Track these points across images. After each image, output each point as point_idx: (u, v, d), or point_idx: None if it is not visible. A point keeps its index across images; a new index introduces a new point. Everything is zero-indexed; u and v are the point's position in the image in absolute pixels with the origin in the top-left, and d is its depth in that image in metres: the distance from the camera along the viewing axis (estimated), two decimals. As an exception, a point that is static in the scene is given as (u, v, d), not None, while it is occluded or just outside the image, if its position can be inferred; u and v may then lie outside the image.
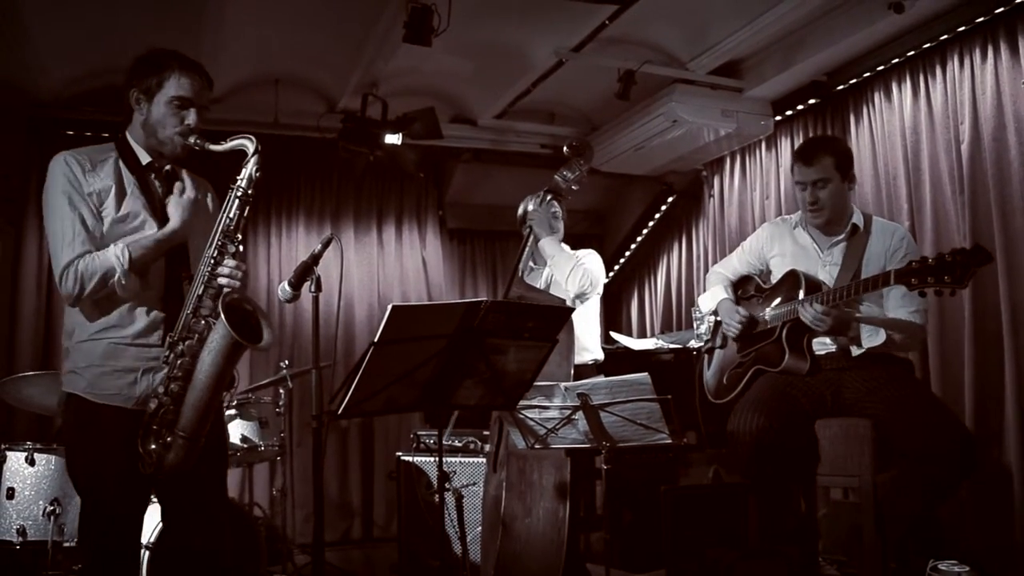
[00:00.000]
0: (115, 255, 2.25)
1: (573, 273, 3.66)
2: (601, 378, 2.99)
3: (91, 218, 2.30)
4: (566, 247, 3.83)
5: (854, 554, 3.47)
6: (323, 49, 4.81)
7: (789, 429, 3.00)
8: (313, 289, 2.74)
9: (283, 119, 5.25)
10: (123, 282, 2.25)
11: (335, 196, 6.18)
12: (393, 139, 5.13)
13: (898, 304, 3.05)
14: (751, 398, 3.13)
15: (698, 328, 4.89)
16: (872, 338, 3.04)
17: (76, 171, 2.31)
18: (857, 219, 3.20)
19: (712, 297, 3.55)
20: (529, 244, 3.82)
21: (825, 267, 3.20)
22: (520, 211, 4.01)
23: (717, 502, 3.79)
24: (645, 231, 6.61)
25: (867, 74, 4.55)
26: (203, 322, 2.27)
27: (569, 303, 3.72)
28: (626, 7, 4.13)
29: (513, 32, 4.55)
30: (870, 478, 2.96)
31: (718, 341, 3.56)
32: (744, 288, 3.53)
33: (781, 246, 3.36)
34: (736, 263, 3.57)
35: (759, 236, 3.49)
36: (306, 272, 2.67)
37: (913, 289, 2.66)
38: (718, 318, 3.53)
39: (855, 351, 3.12)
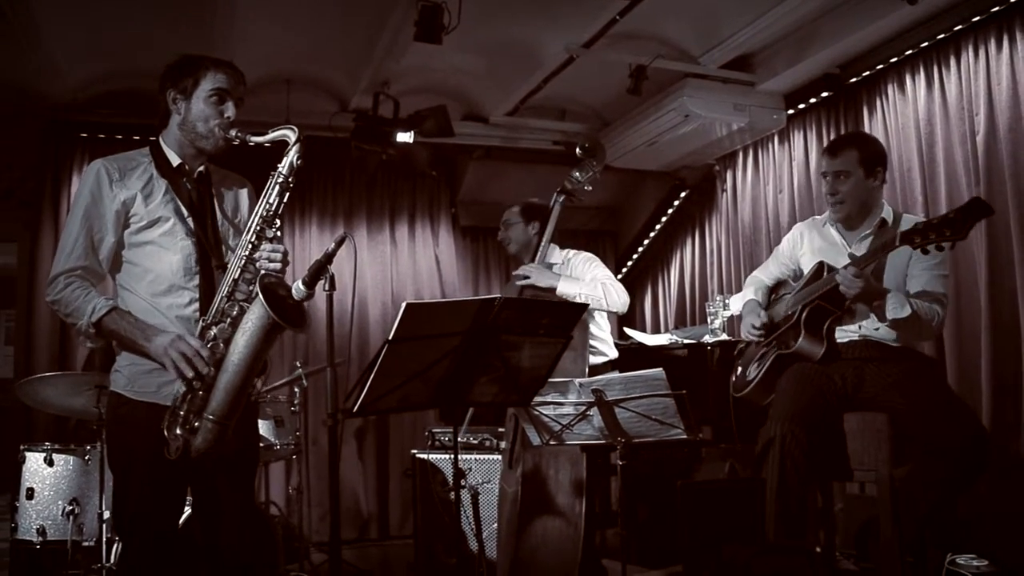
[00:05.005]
0: (93, 307, 2.26)
1: (607, 293, 3.62)
2: (616, 374, 2.99)
3: (101, 232, 2.34)
4: (563, 250, 3.86)
5: (871, 548, 3.46)
6: (334, 49, 4.82)
7: (822, 438, 3.00)
8: (327, 288, 2.74)
9: (295, 119, 5.16)
10: (83, 331, 2.28)
11: (348, 195, 6.20)
12: (405, 137, 5.14)
13: (921, 289, 3.07)
14: (783, 407, 3.07)
15: (712, 323, 4.87)
16: (898, 310, 3.01)
17: (103, 183, 2.34)
18: (887, 214, 3.23)
19: (742, 298, 3.59)
20: (541, 246, 3.81)
21: None
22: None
23: (733, 497, 3.77)
24: (658, 227, 6.59)
25: (880, 66, 4.51)
26: (237, 307, 2.28)
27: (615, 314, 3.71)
28: (636, 2, 4.11)
29: (523, 29, 4.55)
30: (887, 472, 2.95)
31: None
32: (778, 292, 3.57)
33: (810, 243, 3.39)
34: (772, 266, 3.60)
35: (790, 236, 3.53)
36: (320, 271, 2.67)
37: (916, 247, 2.76)
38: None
39: (875, 333, 3.11)
